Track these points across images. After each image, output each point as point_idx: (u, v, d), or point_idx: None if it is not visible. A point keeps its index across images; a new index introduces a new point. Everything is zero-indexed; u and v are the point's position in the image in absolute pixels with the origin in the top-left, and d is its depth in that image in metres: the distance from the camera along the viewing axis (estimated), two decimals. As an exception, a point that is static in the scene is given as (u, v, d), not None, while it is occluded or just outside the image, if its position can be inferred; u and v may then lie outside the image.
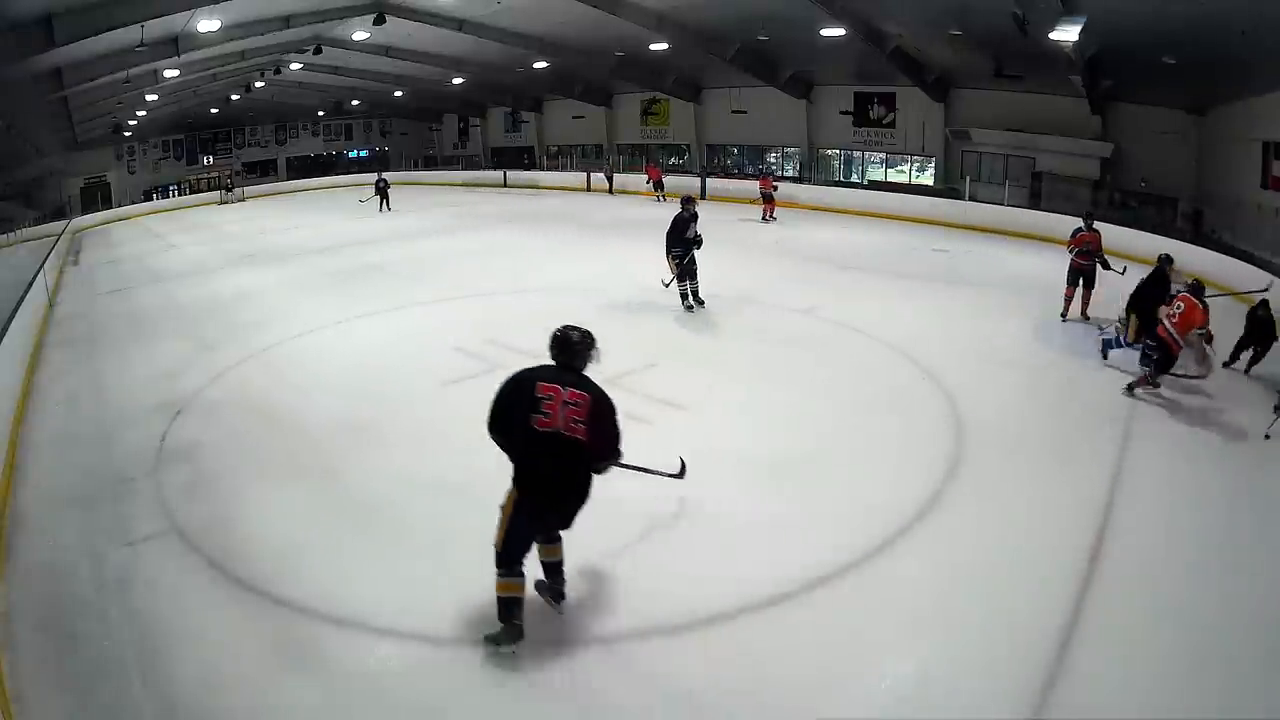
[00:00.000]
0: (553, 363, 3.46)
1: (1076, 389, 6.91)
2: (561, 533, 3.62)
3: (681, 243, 8.98)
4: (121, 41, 14.39)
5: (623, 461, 3.57)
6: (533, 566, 3.64)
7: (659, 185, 21.94)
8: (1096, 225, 8.90)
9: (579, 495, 3.43)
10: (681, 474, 4.02)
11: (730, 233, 16.11)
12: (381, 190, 22.37)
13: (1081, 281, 8.76)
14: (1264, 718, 3.04)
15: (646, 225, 17.32)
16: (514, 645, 3.48)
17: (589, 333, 3.50)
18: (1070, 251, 8.76)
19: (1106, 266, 8.75)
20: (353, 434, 6.14)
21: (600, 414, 3.35)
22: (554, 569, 3.75)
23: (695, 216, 9.09)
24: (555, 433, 3.29)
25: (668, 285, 9.40)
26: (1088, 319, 8.74)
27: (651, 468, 3.93)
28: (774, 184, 17.98)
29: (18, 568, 4.52)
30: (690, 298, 9.33)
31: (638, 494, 5.03)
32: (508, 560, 3.48)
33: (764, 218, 17.39)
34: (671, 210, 9.56)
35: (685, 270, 9.21)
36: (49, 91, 16.30)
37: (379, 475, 5.45)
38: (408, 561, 4.39)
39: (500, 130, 33.69)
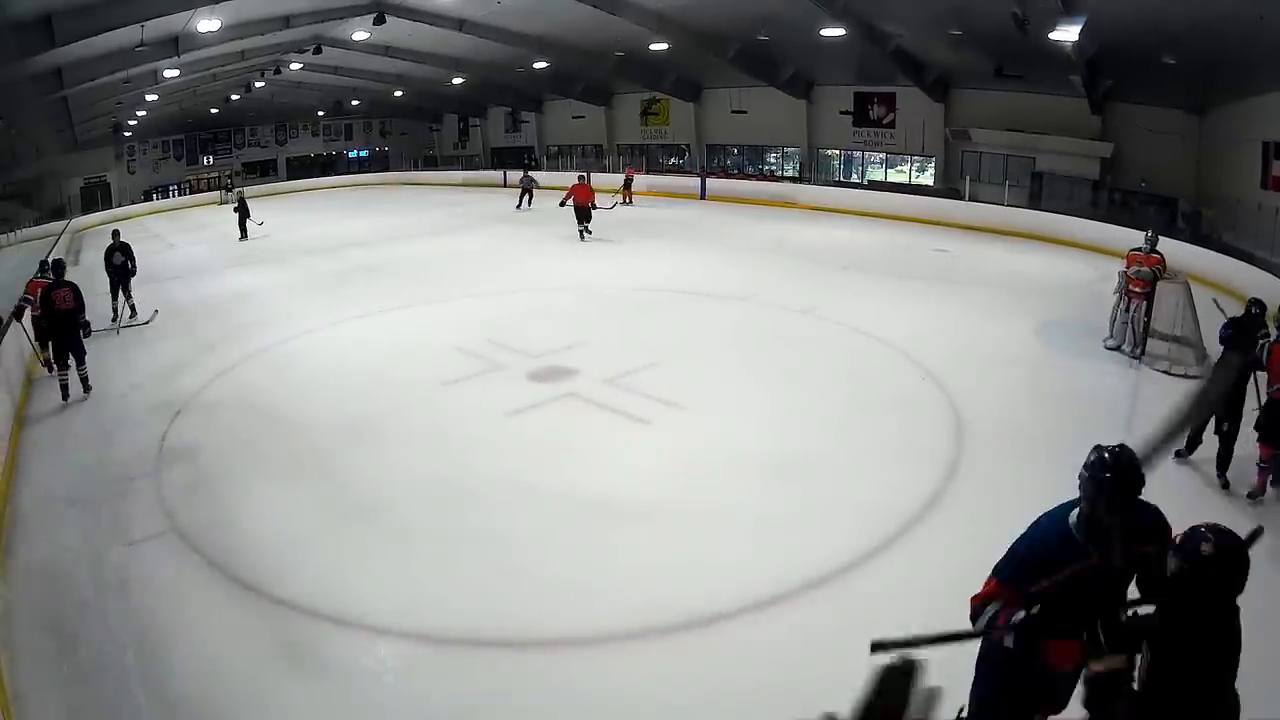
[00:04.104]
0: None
1: (1076, 389, 6.89)
2: None
3: None
4: (121, 41, 14.37)
5: None
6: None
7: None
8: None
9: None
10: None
11: (728, 232, 16.12)
12: (239, 214, 17.83)
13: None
14: (1266, 718, 3.03)
15: (647, 225, 17.37)
16: None
17: None
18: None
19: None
20: (353, 434, 6.14)
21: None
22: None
23: None
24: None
25: None
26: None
27: None
28: (635, 173, 22.10)
29: (18, 568, 4.52)
30: None
31: (636, 493, 5.06)
32: None
33: (624, 201, 19.61)
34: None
35: None
36: (49, 91, 16.27)
37: (379, 475, 5.45)
38: (407, 561, 4.40)
39: (500, 130, 33.64)
